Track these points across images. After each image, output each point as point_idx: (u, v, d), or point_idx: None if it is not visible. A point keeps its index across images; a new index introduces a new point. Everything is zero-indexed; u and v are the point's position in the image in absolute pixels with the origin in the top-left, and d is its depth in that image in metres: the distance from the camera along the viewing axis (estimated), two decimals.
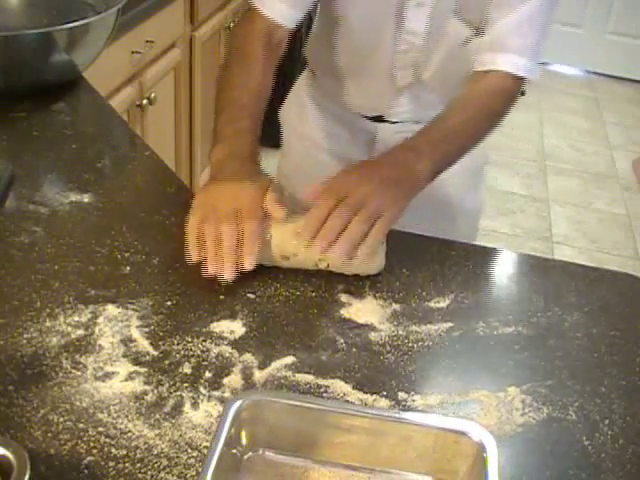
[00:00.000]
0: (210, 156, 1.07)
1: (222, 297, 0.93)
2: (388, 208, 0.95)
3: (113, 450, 0.72)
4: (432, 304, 0.96)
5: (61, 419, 0.75)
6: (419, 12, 1.17)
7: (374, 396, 0.81)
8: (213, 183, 1.02)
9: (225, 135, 1.08)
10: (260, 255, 0.95)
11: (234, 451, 0.72)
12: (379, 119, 1.33)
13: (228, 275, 0.92)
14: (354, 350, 0.88)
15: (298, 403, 0.74)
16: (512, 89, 1.18)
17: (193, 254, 0.93)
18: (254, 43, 1.17)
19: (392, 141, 1.28)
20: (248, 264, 0.93)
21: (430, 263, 1.04)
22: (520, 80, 1.17)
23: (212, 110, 1.15)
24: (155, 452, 0.72)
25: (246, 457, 0.74)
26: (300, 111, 1.43)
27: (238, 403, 0.72)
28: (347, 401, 0.80)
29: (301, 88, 1.44)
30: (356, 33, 1.24)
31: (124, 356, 0.83)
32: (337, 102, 1.36)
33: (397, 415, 0.74)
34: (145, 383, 0.80)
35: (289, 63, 1.48)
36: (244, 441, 0.73)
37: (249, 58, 1.16)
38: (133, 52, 1.88)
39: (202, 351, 0.85)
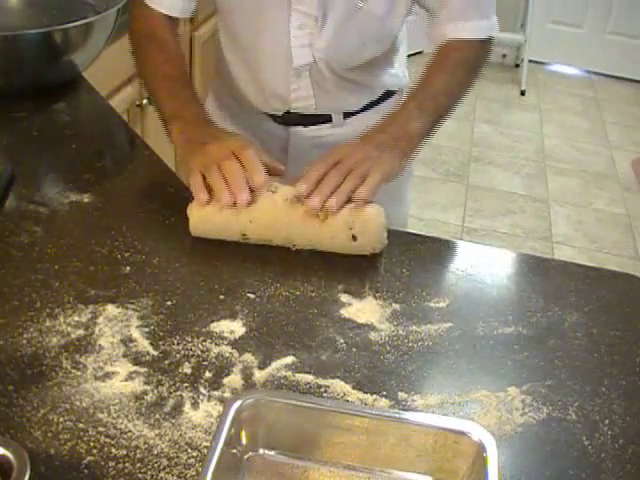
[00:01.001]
0: (171, 136, 1.08)
1: (222, 297, 0.93)
2: (380, 166, 1.01)
3: (113, 450, 0.72)
4: (432, 304, 0.96)
5: (61, 419, 0.75)
6: None
7: (374, 396, 0.81)
8: (197, 150, 1.03)
9: (175, 111, 1.10)
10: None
11: (234, 451, 0.72)
12: (288, 120, 1.31)
13: (244, 197, 0.96)
14: (354, 350, 0.88)
15: (298, 403, 0.74)
16: (484, 51, 1.22)
17: (201, 196, 0.97)
18: (158, 25, 1.19)
19: (306, 147, 1.31)
20: (258, 178, 0.97)
21: (430, 263, 1.04)
22: (488, 41, 1.21)
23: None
24: (155, 452, 0.72)
25: (246, 457, 0.74)
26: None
27: (238, 403, 0.72)
28: (347, 401, 0.80)
29: (210, 95, 1.44)
30: (248, 14, 1.21)
31: (124, 356, 0.83)
32: (242, 101, 1.34)
33: (397, 415, 0.74)
34: (145, 383, 0.80)
35: None
36: (244, 441, 0.73)
37: (160, 39, 1.18)
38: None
39: (202, 351, 0.85)
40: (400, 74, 1.36)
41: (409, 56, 1.38)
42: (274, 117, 1.33)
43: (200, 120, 1.08)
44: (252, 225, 0.99)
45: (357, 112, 1.34)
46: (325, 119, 1.33)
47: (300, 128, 1.33)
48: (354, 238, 0.99)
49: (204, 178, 0.99)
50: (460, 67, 1.19)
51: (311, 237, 0.99)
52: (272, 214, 0.99)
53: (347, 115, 1.34)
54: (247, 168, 0.98)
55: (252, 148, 1.01)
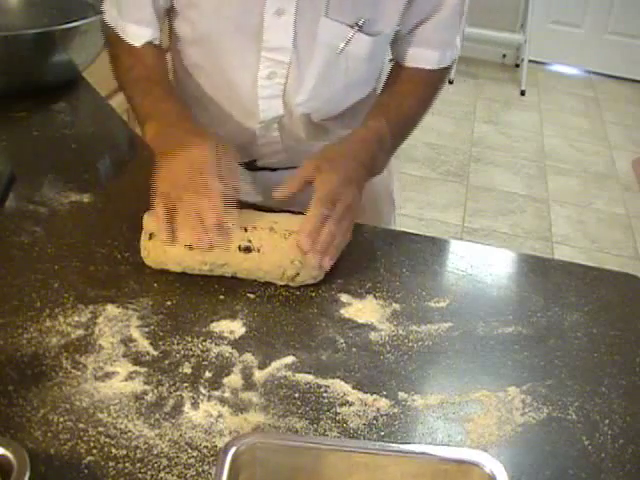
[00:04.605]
0: (145, 136, 1.02)
1: (222, 297, 0.93)
2: (355, 215, 0.98)
3: (113, 450, 0.72)
4: (432, 304, 0.96)
5: (61, 419, 0.75)
6: (280, 23, 1.01)
7: (374, 396, 0.81)
8: (163, 160, 0.95)
9: (147, 110, 1.04)
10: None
11: None
12: (253, 167, 1.21)
13: (205, 241, 0.90)
14: (354, 350, 0.88)
15: (295, 443, 0.70)
16: (447, 74, 1.19)
17: (164, 237, 0.90)
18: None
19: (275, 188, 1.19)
20: (228, 220, 0.90)
21: (430, 263, 1.04)
22: (446, 68, 1.17)
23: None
24: (155, 452, 0.72)
25: None
26: None
27: (233, 449, 0.67)
28: (347, 401, 0.80)
29: None
30: (209, 59, 1.10)
31: (124, 356, 0.83)
32: None
33: (401, 448, 0.70)
34: (145, 383, 0.80)
35: None
36: None
37: (132, 47, 1.10)
38: None
39: (202, 351, 0.85)
40: None
41: None
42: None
43: (173, 116, 1.01)
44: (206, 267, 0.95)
45: None
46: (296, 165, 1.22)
47: (268, 172, 1.22)
48: (297, 274, 0.95)
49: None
50: (428, 92, 1.16)
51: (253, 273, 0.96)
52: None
53: None
54: (213, 206, 0.90)
55: (214, 170, 0.92)
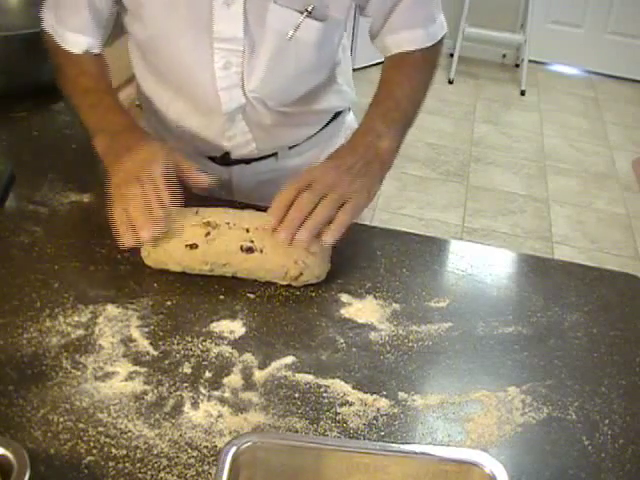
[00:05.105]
0: (97, 149, 1.04)
1: (222, 297, 0.93)
2: (355, 195, 0.96)
3: (113, 450, 0.72)
4: (432, 304, 0.96)
5: (61, 419, 0.75)
6: (230, 12, 1.01)
7: (374, 396, 0.81)
8: (115, 168, 0.98)
9: (97, 124, 1.06)
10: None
11: None
12: (227, 160, 1.20)
13: (143, 236, 0.91)
14: (354, 350, 0.88)
15: (295, 443, 0.70)
16: (437, 50, 1.16)
17: (125, 240, 0.92)
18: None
19: (252, 185, 1.18)
20: (158, 209, 0.92)
21: (430, 263, 1.04)
22: (436, 44, 1.15)
23: None
24: (155, 452, 0.72)
25: None
26: None
27: (233, 450, 0.67)
28: (347, 401, 0.80)
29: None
30: (166, 56, 1.09)
31: (124, 356, 0.83)
32: (173, 142, 1.19)
33: (401, 449, 0.70)
34: (145, 383, 0.80)
35: None
36: None
37: (74, 55, 1.12)
38: None
39: (202, 351, 0.85)
40: (346, 88, 1.24)
41: (355, 70, 1.28)
42: (212, 158, 1.21)
43: (122, 129, 1.04)
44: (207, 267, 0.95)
45: (303, 141, 1.24)
46: (270, 154, 1.22)
47: (243, 165, 1.21)
48: (300, 274, 0.95)
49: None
50: (418, 70, 1.14)
51: (254, 272, 0.96)
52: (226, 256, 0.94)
53: (293, 145, 1.23)
54: (153, 194, 0.92)
55: (161, 163, 0.95)
